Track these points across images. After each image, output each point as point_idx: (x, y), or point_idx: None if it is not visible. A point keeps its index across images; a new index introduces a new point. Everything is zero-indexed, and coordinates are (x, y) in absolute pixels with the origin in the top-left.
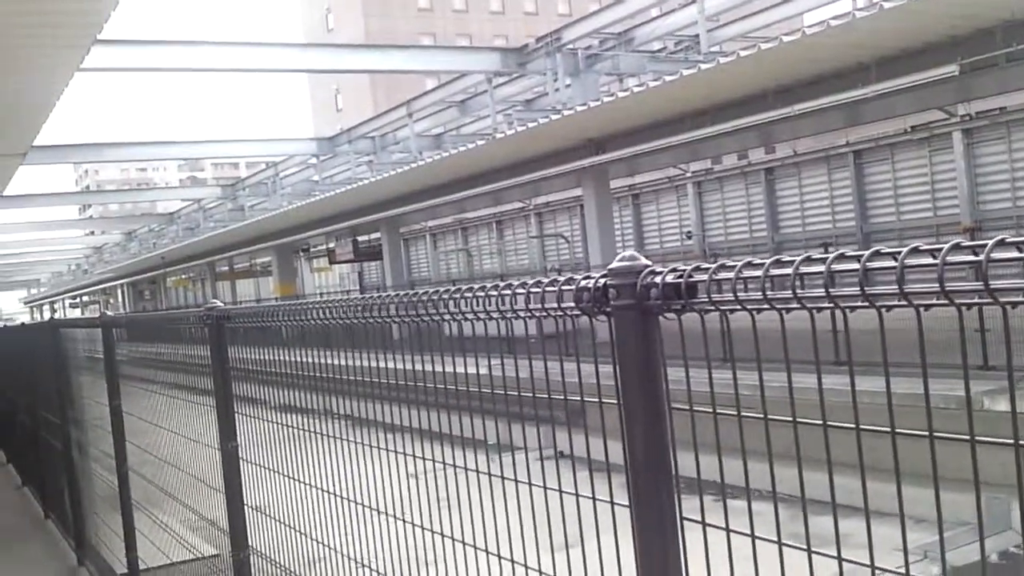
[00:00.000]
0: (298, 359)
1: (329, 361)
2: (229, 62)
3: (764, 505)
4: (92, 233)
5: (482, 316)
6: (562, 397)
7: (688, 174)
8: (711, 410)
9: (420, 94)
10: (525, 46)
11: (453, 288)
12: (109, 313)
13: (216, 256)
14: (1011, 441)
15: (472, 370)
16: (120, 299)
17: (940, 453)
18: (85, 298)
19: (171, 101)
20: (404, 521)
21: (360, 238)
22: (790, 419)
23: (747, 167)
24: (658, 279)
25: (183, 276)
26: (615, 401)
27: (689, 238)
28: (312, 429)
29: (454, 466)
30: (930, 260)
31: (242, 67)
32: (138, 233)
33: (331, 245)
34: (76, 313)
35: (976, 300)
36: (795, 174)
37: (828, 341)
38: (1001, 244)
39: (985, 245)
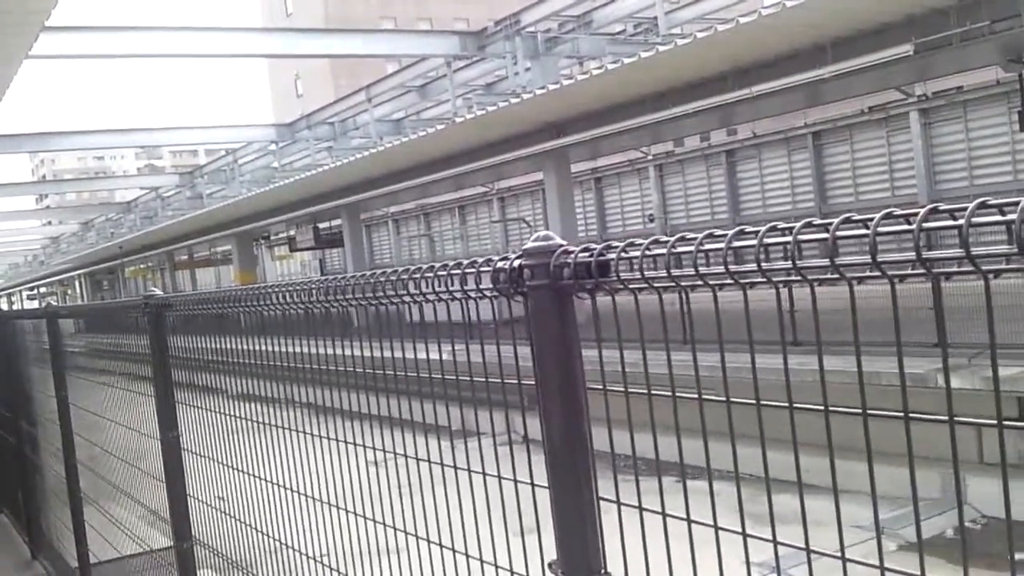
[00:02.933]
0: (246, 347)
1: (275, 348)
2: (186, 48)
3: (721, 485)
4: (49, 223)
5: (407, 300)
6: (477, 380)
7: (649, 157)
8: (623, 390)
9: (380, 79)
10: (484, 29)
11: (376, 273)
12: (53, 303)
13: (175, 245)
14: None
15: (422, 355)
16: (78, 290)
17: (887, 430)
18: (43, 289)
19: (128, 88)
20: (353, 513)
21: (321, 225)
22: (695, 396)
23: (708, 149)
24: (570, 258)
25: (141, 266)
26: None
27: (651, 221)
28: (259, 419)
29: (403, 455)
30: (823, 235)
31: (200, 53)
32: (95, 223)
33: (292, 232)
34: (34, 305)
35: (867, 274)
36: (755, 156)
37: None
38: (934, 212)
39: (917, 213)
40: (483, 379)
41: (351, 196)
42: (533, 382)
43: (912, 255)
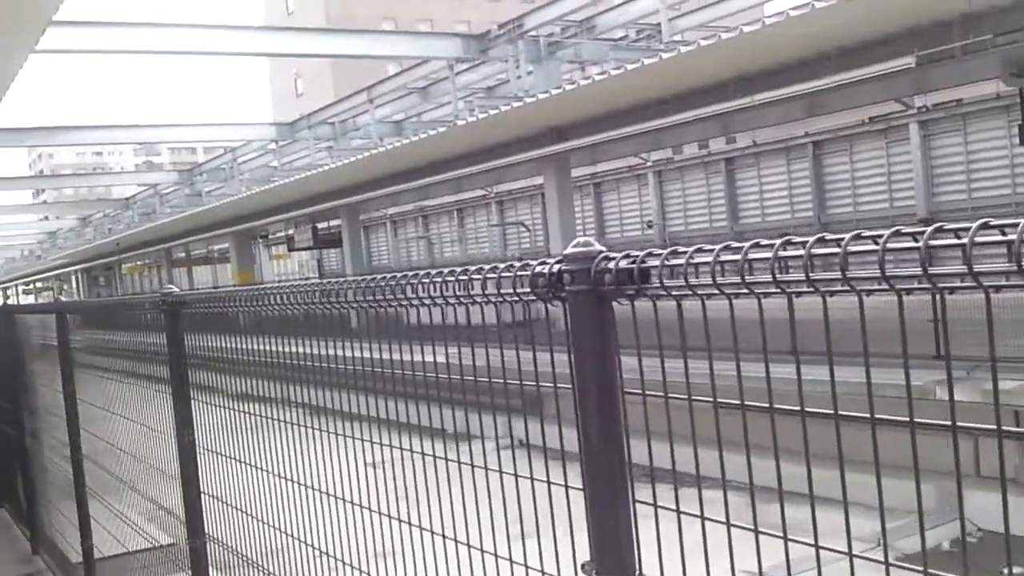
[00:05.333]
0: (257, 346)
1: (288, 349)
2: (187, 45)
3: (715, 493)
4: (46, 218)
5: (439, 302)
6: (518, 384)
7: (649, 163)
8: (663, 395)
9: (381, 80)
10: (487, 32)
11: (411, 274)
12: (63, 299)
13: (172, 242)
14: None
15: (431, 359)
16: (74, 285)
17: (892, 440)
18: (38, 284)
19: (128, 84)
20: (367, 509)
21: (319, 225)
22: (739, 404)
23: (707, 157)
24: (612, 264)
25: (138, 263)
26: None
27: (650, 227)
28: (272, 416)
29: (420, 453)
30: (872, 246)
31: (201, 50)
32: (93, 218)
33: (290, 232)
34: (30, 299)
35: (917, 286)
36: (754, 164)
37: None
38: (940, 231)
39: (924, 232)
40: (501, 381)
41: (351, 197)
42: (569, 386)
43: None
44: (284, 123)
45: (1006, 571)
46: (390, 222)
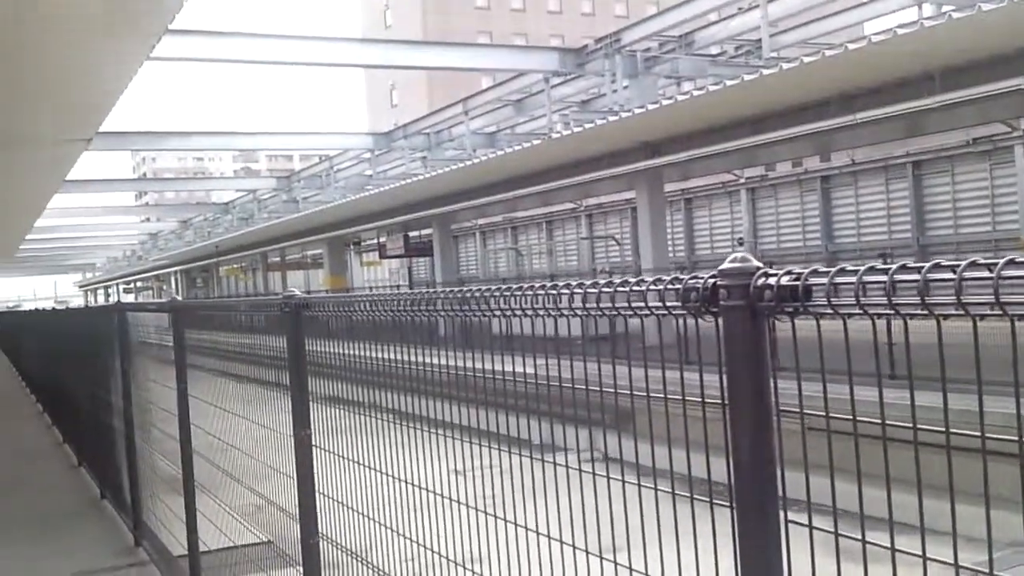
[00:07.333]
0: (360, 352)
1: (397, 356)
2: (288, 55)
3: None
4: (148, 220)
5: (579, 313)
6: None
7: (742, 180)
8: (823, 414)
9: (476, 92)
10: (584, 47)
11: (549, 284)
12: (178, 298)
13: (269, 247)
14: None
15: (521, 368)
16: (173, 286)
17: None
18: (139, 283)
19: (227, 91)
20: (481, 511)
21: (411, 233)
22: (909, 426)
23: (802, 175)
24: (772, 280)
25: (235, 265)
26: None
27: (741, 244)
28: (384, 417)
29: (546, 461)
30: None
31: (301, 60)
32: (193, 221)
33: (382, 240)
34: (129, 298)
35: None
36: (851, 183)
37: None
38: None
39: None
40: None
41: (443, 207)
42: (720, 402)
43: None
44: (380, 133)
45: None
46: (479, 232)
